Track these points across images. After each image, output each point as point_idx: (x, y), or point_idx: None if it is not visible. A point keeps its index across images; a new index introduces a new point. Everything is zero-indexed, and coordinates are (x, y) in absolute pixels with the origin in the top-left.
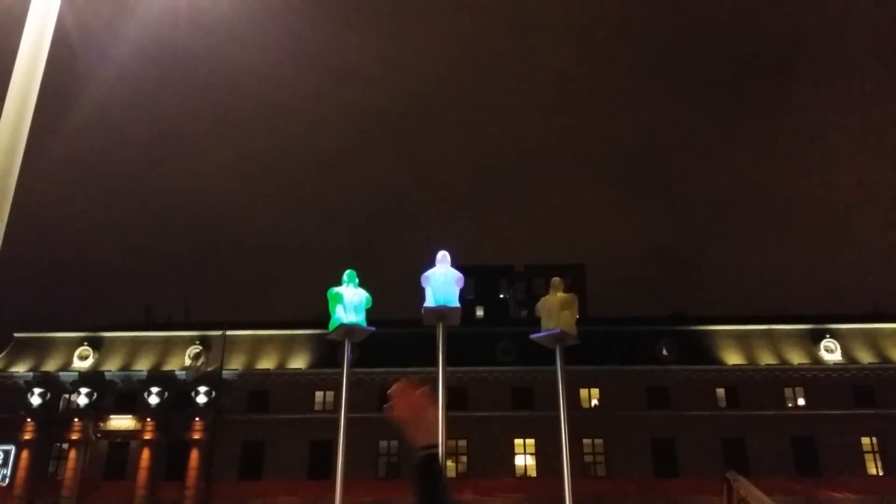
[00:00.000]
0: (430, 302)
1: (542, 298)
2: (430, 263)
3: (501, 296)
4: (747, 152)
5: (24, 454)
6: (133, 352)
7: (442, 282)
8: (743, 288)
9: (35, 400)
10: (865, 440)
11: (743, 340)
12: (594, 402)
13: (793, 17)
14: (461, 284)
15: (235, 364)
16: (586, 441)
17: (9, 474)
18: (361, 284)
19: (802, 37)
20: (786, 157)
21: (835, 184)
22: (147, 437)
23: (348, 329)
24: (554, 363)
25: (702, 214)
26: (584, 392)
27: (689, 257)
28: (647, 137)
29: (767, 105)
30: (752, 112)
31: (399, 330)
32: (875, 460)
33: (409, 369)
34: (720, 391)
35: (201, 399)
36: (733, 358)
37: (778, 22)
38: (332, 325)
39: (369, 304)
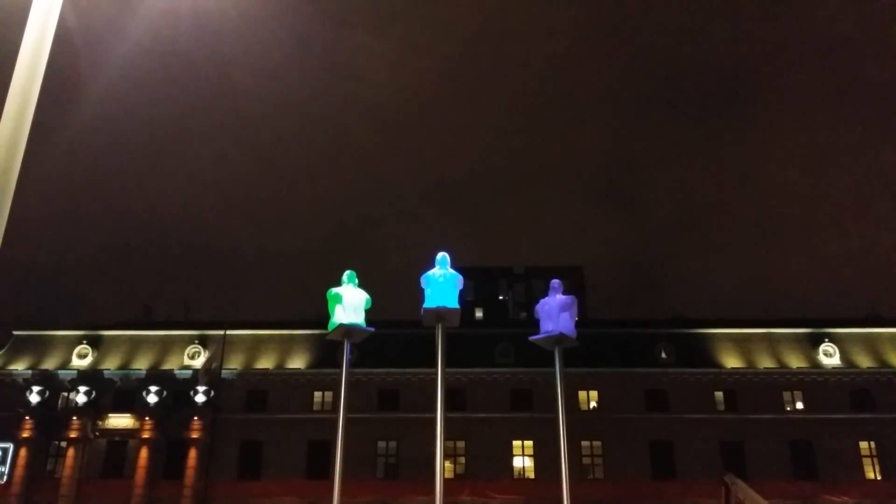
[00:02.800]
0: (429, 303)
1: (542, 300)
2: (430, 264)
3: (501, 297)
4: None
5: (23, 452)
6: (132, 350)
7: (441, 283)
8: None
9: (34, 398)
10: (864, 444)
11: (742, 344)
12: (593, 404)
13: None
14: (460, 286)
15: (234, 363)
16: (585, 443)
17: (7, 472)
18: (361, 285)
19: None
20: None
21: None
22: (145, 435)
23: (347, 329)
24: (553, 365)
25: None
26: (582, 394)
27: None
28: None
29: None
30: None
31: (398, 331)
32: (873, 464)
33: (409, 370)
34: (719, 394)
35: (200, 398)
36: (732, 361)
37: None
38: (332, 325)
39: (369, 305)
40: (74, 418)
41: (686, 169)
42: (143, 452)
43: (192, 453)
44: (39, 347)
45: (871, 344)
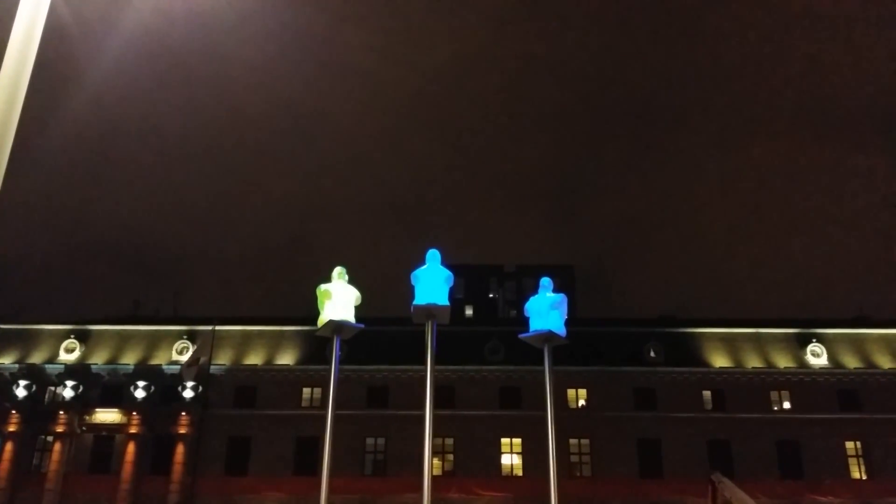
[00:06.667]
0: (419, 300)
1: (531, 298)
2: (420, 261)
3: (491, 295)
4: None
5: (8, 446)
6: (120, 345)
7: (431, 280)
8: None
9: (20, 392)
10: (850, 444)
11: (730, 343)
12: (581, 402)
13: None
14: (451, 283)
15: (223, 359)
16: (573, 441)
17: None
18: (351, 281)
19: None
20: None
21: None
22: (133, 430)
23: (337, 326)
24: (542, 363)
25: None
26: (571, 392)
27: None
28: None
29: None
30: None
31: (388, 328)
32: (859, 464)
33: (398, 367)
34: (707, 393)
35: (188, 393)
36: (720, 361)
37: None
38: (321, 321)
39: (359, 302)
40: (61, 413)
41: (665, 175)
42: (130, 447)
43: (180, 449)
44: (26, 341)
45: (858, 344)
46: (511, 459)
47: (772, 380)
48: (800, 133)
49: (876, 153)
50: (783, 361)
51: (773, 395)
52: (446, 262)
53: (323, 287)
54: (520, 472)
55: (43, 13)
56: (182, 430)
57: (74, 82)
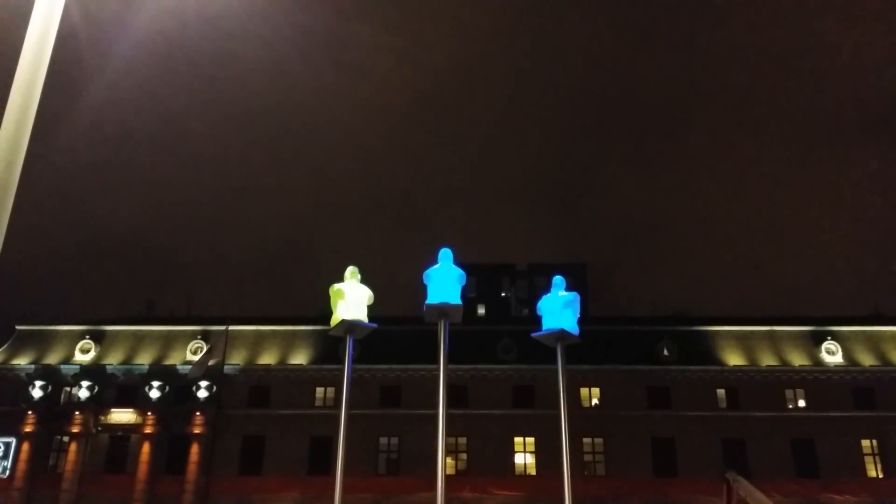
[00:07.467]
0: (432, 299)
1: (544, 297)
2: (433, 261)
3: (503, 294)
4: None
5: (25, 446)
6: (135, 346)
7: (444, 279)
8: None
9: (36, 392)
10: (865, 442)
11: (744, 341)
12: (595, 401)
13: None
14: (463, 282)
15: (237, 359)
16: (586, 440)
17: (9, 466)
18: (363, 281)
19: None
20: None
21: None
22: (148, 430)
23: (350, 325)
24: (555, 362)
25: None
26: (584, 391)
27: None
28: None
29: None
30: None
31: (401, 327)
32: (875, 463)
33: (411, 366)
34: (721, 392)
35: (202, 393)
36: (734, 359)
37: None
38: (334, 321)
39: (371, 301)
40: (77, 413)
41: (676, 172)
42: (145, 447)
43: (194, 448)
44: (42, 342)
45: (873, 342)
46: (524, 458)
47: (786, 378)
48: (813, 128)
49: (891, 148)
50: (798, 359)
51: (788, 393)
52: (458, 262)
53: (336, 287)
54: (533, 472)
55: (57, 16)
56: (196, 430)
57: (87, 84)
